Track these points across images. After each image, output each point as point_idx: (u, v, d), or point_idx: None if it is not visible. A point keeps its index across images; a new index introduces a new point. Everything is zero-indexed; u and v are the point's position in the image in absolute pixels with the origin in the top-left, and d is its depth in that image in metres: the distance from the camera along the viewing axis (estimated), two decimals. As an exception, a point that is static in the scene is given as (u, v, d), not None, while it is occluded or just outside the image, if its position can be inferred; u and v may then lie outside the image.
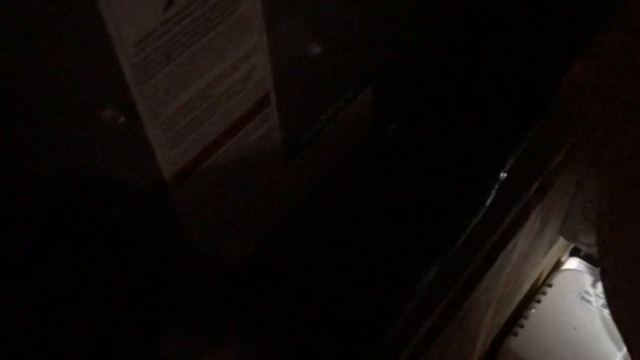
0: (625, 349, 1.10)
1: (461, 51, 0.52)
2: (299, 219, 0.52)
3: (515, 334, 1.11)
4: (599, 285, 1.17)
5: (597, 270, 1.21)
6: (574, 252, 1.26)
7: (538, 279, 1.18)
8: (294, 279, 0.41)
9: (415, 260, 0.42)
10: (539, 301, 1.15)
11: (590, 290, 1.17)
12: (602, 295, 1.16)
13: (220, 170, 0.45)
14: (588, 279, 1.18)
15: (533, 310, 1.14)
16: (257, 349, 0.38)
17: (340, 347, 0.41)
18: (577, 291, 1.17)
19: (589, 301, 1.16)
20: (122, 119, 0.35)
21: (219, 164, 0.45)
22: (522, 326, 1.12)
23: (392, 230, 0.42)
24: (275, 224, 0.52)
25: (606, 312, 1.14)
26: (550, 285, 1.17)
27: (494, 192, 0.44)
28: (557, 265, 1.24)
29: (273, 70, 0.44)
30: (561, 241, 1.10)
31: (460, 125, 0.43)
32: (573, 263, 1.23)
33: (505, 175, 0.44)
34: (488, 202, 0.44)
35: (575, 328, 1.12)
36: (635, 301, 0.40)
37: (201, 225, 0.46)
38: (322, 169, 0.57)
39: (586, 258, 1.24)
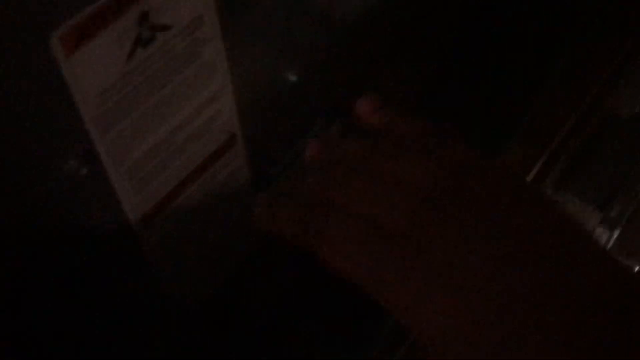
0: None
1: (430, 84, 0.53)
2: (269, 255, 0.52)
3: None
4: None
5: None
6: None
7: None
8: (259, 317, 0.41)
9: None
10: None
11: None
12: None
13: (187, 210, 0.46)
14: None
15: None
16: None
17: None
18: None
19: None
20: (84, 169, 0.35)
21: (186, 204, 0.45)
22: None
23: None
24: (244, 261, 0.53)
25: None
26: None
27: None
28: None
29: (239, 109, 0.45)
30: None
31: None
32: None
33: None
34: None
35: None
36: None
37: (169, 266, 0.47)
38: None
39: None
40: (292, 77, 0.50)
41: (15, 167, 0.32)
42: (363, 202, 0.38)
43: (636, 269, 1.07)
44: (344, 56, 0.54)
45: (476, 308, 0.34)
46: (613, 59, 0.86)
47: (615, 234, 1.02)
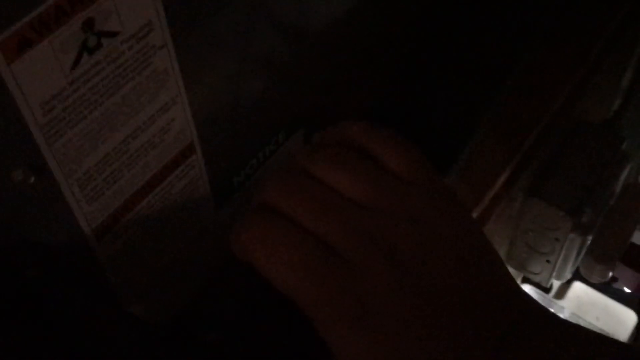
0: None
1: (392, 93, 0.53)
2: (227, 270, 0.51)
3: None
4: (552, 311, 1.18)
5: (549, 296, 1.22)
6: (526, 280, 1.27)
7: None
8: (211, 336, 0.41)
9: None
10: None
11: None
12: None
13: (144, 222, 0.45)
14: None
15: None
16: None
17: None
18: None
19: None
20: (32, 179, 0.34)
21: (142, 216, 0.45)
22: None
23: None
24: (205, 276, 0.52)
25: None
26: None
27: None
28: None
29: (196, 119, 0.44)
30: (511, 270, 1.10)
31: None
32: (525, 289, 1.24)
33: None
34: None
35: None
36: None
37: (127, 280, 0.46)
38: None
39: (538, 285, 1.25)
40: (253, 88, 0.50)
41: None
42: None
43: (609, 275, 1.07)
44: (305, 67, 0.54)
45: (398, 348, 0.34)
46: (583, 64, 0.86)
47: (588, 240, 1.03)
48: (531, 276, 1.15)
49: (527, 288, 1.25)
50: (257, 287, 0.37)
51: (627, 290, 1.35)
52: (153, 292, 0.48)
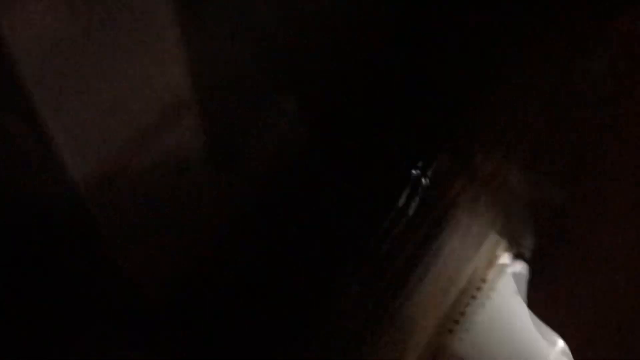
0: (559, 344, 1.12)
1: (379, 53, 0.52)
2: (230, 233, 0.51)
3: (451, 331, 1.12)
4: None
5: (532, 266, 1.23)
6: (510, 248, 1.27)
7: (473, 275, 1.20)
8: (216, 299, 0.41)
9: (334, 262, 0.43)
10: (474, 297, 1.17)
11: (526, 286, 1.18)
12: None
13: (138, 179, 0.45)
14: (523, 274, 1.19)
15: (468, 307, 1.15)
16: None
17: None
18: (512, 287, 1.18)
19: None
20: (25, 127, 0.34)
21: (136, 172, 0.44)
22: (457, 322, 1.13)
23: (313, 235, 0.42)
24: (203, 240, 0.52)
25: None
26: (484, 281, 1.19)
27: (408, 188, 0.44)
28: (492, 261, 1.25)
29: (199, 76, 0.44)
30: (495, 237, 1.11)
31: (377, 120, 0.43)
32: (508, 259, 1.25)
33: (419, 171, 0.44)
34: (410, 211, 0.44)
35: (510, 323, 1.13)
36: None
37: (122, 240, 0.46)
38: (254, 181, 0.56)
39: (521, 255, 1.26)
40: (245, 46, 0.49)
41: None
42: None
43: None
44: (303, 40, 0.53)
45: None
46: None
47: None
48: (515, 243, 1.16)
49: (509, 257, 1.25)
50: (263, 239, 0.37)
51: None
52: (150, 255, 0.48)
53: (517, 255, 1.25)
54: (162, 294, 0.48)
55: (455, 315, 1.15)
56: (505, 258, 1.24)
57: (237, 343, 0.41)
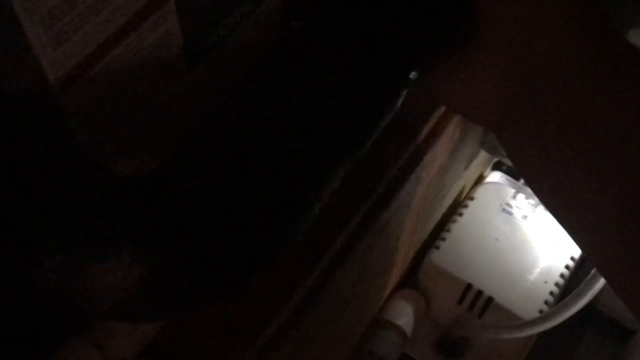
0: (543, 260, 1.12)
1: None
2: (203, 129, 0.49)
3: (437, 247, 1.12)
4: (520, 197, 1.19)
5: (519, 183, 1.23)
6: (497, 166, 1.27)
7: (460, 193, 1.19)
8: (186, 185, 0.39)
9: (322, 162, 0.41)
10: (460, 214, 1.16)
11: (512, 202, 1.18)
12: (523, 207, 1.18)
13: (113, 76, 0.42)
14: (510, 191, 1.19)
15: (455, 224, 1.15)
16: (147, 259, 0.36)
17: (239, 258, 0.39)
18: (498, 204, 1.18)
19: (510, 213, 1.17)
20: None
21: (111, 69, 0.42)
22: (444, 239, 1.13)
23: (298, 135, 0.40)
24: (178, 136, 0.50)
25: (526, 223, 1.15)
26: (472, 199, 1.18)
27: (404, 93, 0.42)
28: (480, 179, 1.25)
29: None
30: (483, 155, 1.10)
31: (369, 21, 0.40)
32: (495, 176, 1.24)
33: (416, 75, 0.42)
34: (398, 103, 0.42)
35: (496, 239, 1.13)
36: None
37: (94, 135, 0.43)
38: (227, 77, 0.54)
39: (508, 172, 1.25)
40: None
41: None
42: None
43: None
44: None
45: None
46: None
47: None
48: (504, 159, 1.15)
49: (497, 174, 1.25)
50: (242, 137, 0.35)
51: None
52: (122, 150, 0.46)
53: (506, 172, 1.23)
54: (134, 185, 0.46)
55: (442, 232, 1.14)
56: (494, 176, 1.23)
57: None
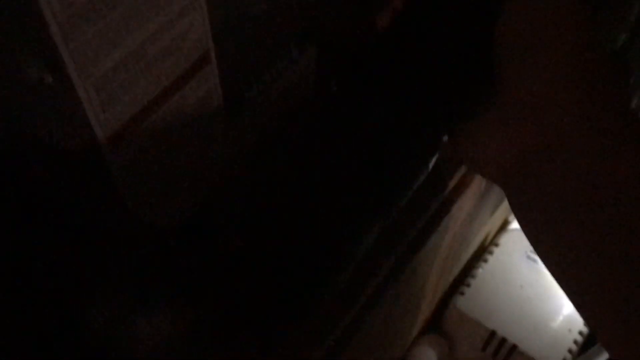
0: (567, 308, 1.12)
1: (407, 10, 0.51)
2: (239, 180, 0.51)
3: (462, 293, 1.13)
4: None
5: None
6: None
7: (485, 239, 1.20)
8: (232, 242, 0.40)
9: (357, 222, 0.42)
10: (485, 260, 1.17)
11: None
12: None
13: (157, 132, 0.44)
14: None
15: (480, 270, 1.16)
16: (191, 315, 0.37)
17: (281, 309, 0.40)
18: (523, 250, 1.19)
19: (535, 260, 1.18)
20: (50, 79, 0.33)
21: (156, 126, 0.43)
22: (468, 285, 1.14)
23: (334, 191, 0.41)
24: (214, 186, 0.51)
25: (551, 270, 1.15)
26: (497, 245, 1.19)
27: (437, 154, 0.43)
28: (504, 225, 1.25)
29: (213, 27, 0.43)
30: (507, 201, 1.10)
31: (404, 84, 0.42)
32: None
33: (446, 139, 0.43)
34: (431, 164, 0.43)
35: (521, 286, 1.14)
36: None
37: (139, 187, 0.45)
38: (263, 130, 0.56)
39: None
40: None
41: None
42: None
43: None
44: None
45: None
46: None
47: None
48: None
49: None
50: (277, 192, 0.37)
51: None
52: (161, 200, 0.47)
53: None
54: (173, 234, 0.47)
55: (467, 276, 1.15)
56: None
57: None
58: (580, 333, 1.10)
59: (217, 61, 0.45)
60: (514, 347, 1.08)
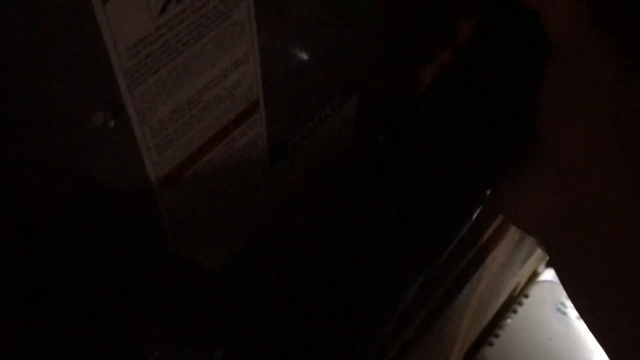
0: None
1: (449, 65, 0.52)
2: (281, 226, 0.52)
3: (491, 344, 1.12)
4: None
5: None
6: (551, 263, 1.27)
7: (515, 290, 1.19)
8: (279, 288, 0.41)
9: (401, 273, 0.43)
10: (515, 311, 1.16)
11: (567, 302, 1.18)
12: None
13: (205, 175, 0.45)
14: (563, 290, 1.19)
15: (509, 321, 1.15)
16: (242, 356, 0.38)
17: (322, 356, 0.41)
18: (552, 302, 1.18)
19: (564, 312, 1.17)
20: (112, 123, 0.34)
21: (205, 169, 0.45)
22: (497, 336, 1.13)
23: (379, 241, 0.42)
24: (257, 230, 0.52)
25: (581, 323, 1.15)
26: (526, 296, 1.18)
27: (479, 208, 0.44)
28: (534, 276, 1.25)
29: (263, 76, 0.44)
30: (538, 252, 1.10)
31: (447, 138, 0.43)
32: (550, 274, 1.24)
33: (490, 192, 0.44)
34: (474, 215, 0.44)
35: (550, 339, 1.13)
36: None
37: (185, 229, 0.46)
38: (305, 177, 0.57)
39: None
40: (316, 47, 0.50)
41: (43, 115, 0.32)
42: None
43: None
44: (366, 31, 0.54)
45: None
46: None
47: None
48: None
49: (551, 272, 1.25)
50: (319, 240, 0.38)
51: None
52: (207, 241, 0.48)
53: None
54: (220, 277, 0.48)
55: (495, 327, 1.14)
56: (548, 274, 1.24)
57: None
58: (610, 389, 1.09)
59: (266, 108, 0.46)
60: (542, 401, 1.07)
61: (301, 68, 0.49)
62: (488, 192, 0.44)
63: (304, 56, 0.48)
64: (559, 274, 0.46)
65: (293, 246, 0.45)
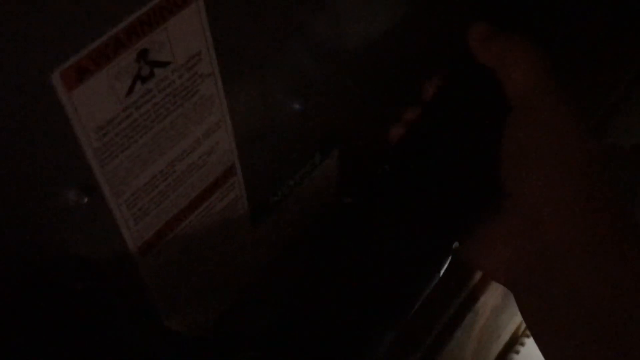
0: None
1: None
2: (263, 284, 0.53)
3: (494, 385, 1.12)
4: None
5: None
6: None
7: (517, 330, 1.19)
8: (250, 353, 0.42)
9: (372, 327, 0.44)
10: (517, 352, 1.16)
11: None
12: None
13: (186, 240, 0.47)
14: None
15: (512, 360, 1.15)
16: None
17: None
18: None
19: (568, 350, 1.17)
20: (85, 199, 0.36)
21: (184, 234, 0.46)
22: (501, 377, 1.13)
23: (352, 296, 0.44)
24: (239, 290, 0.54)
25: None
26: (528, 336, 1.18)
27: (447, 262, 0.45)
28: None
29: (237, 142, 0.46)
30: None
31: (412, 195, 0.44)
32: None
33: (458, 245, 0.46)
34: (442, 270, 0.45)
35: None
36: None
37: (167, 295, 0.48)
38: (287, 234, 0.59)
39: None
40: (290, 109, 0.51)
41: (17, 196, 0.34)
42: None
43: None
44: (340, 88, 0.55)
45: None
46: (615, 89, 0.87)
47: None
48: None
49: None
50: (298, 296, 0.39)
51: None
52: (190, 305, 0.50)
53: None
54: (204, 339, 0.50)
55: (498, 369, 1.14)
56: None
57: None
58: None
59: (244, 171, 0.48)
60: None
61: (278, 128, 0.50)
62: (455, 245, 0.45)
63: (280, 117, 0.50)
64: (525, 318, 0.47)
65: (269, 304, 0.47)
